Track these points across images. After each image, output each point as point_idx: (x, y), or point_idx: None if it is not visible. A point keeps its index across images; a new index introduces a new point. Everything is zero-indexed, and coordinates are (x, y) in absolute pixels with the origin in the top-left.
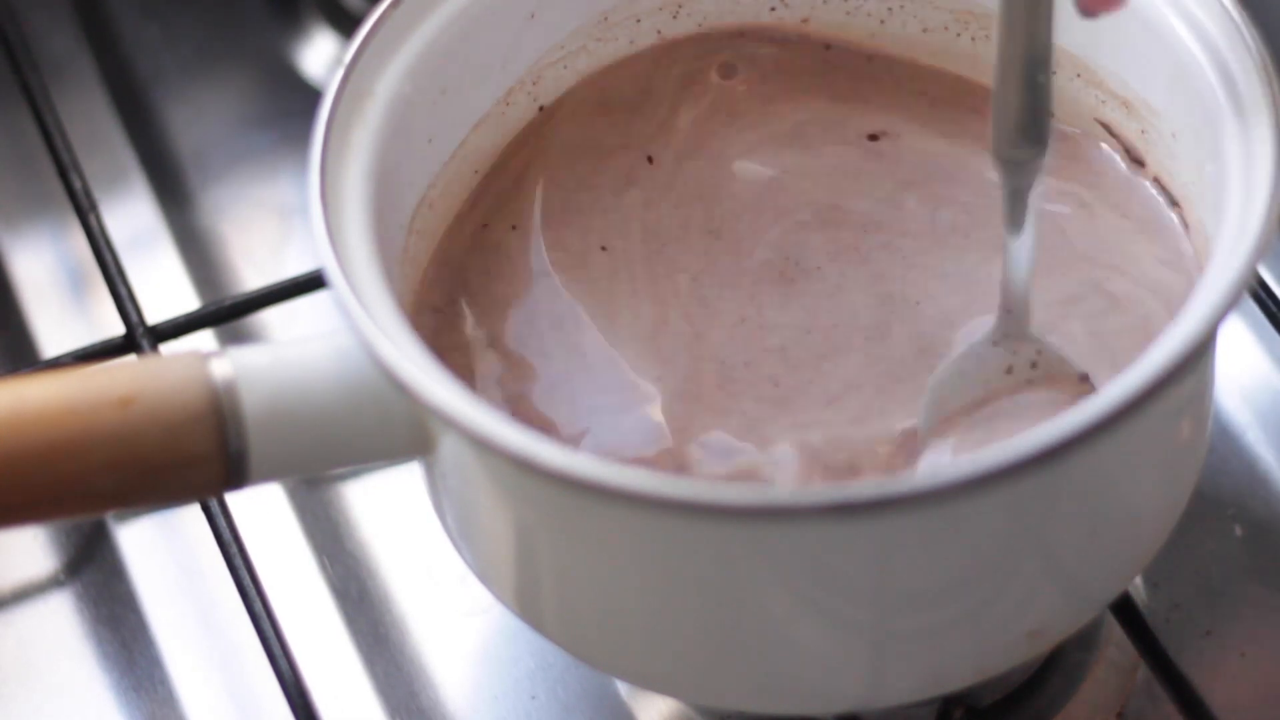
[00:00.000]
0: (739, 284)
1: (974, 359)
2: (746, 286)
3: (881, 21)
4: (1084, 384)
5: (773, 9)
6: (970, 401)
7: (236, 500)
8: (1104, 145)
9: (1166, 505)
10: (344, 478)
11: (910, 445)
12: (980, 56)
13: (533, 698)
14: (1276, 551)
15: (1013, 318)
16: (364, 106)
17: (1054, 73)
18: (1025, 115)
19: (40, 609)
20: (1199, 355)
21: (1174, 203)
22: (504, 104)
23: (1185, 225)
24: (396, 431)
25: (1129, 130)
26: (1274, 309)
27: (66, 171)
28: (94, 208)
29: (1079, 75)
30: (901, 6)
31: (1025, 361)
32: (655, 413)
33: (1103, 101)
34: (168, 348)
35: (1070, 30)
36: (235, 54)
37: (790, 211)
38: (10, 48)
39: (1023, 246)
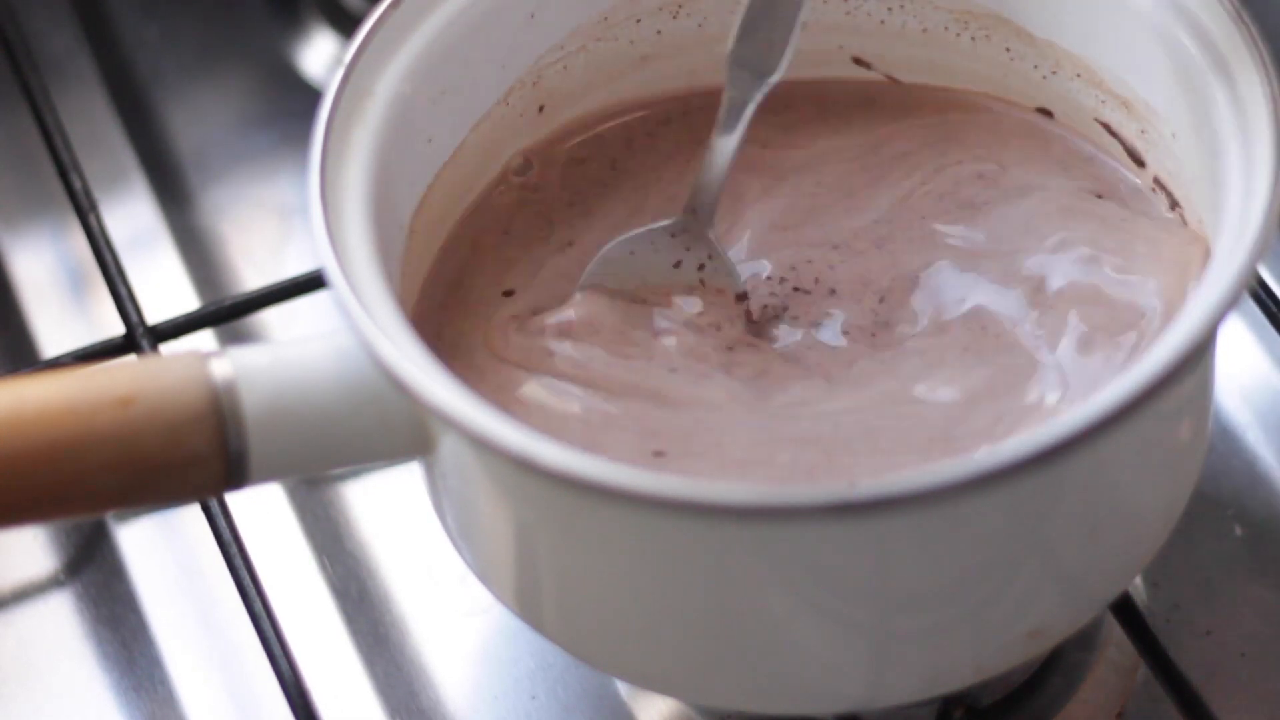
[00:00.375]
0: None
1: (648, 242)
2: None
3: (881, 22)
4: (740, 302)
5: None
6: (625, 285)
7: (236, 500)
8: (1104, 145)
9: (1166, 505)
10: (344, 478)
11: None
12: (979, 57)
13: (533, 698)
14: (1276, 551)
15: (696, 218)
16: (364, 106)
17: (1054, 72)
18: (771, 40)
19: (40, 609)
20: (1199, 355)
21: (1174, 203)
22: (504, 104)
23: (1185, 225)
24: (396, 431)
25: (1129, 130)
26: (1274, 309)
27: (66, 171)
28: (94, 208)
29: (1079, 75)
30: (901, 6)
31: (695, 262)
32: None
33: (1103, 101)
34: (168, 348)
35: (1070, 30)
36: (235, 54)
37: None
38: (10, 48)
39: (725, 150)
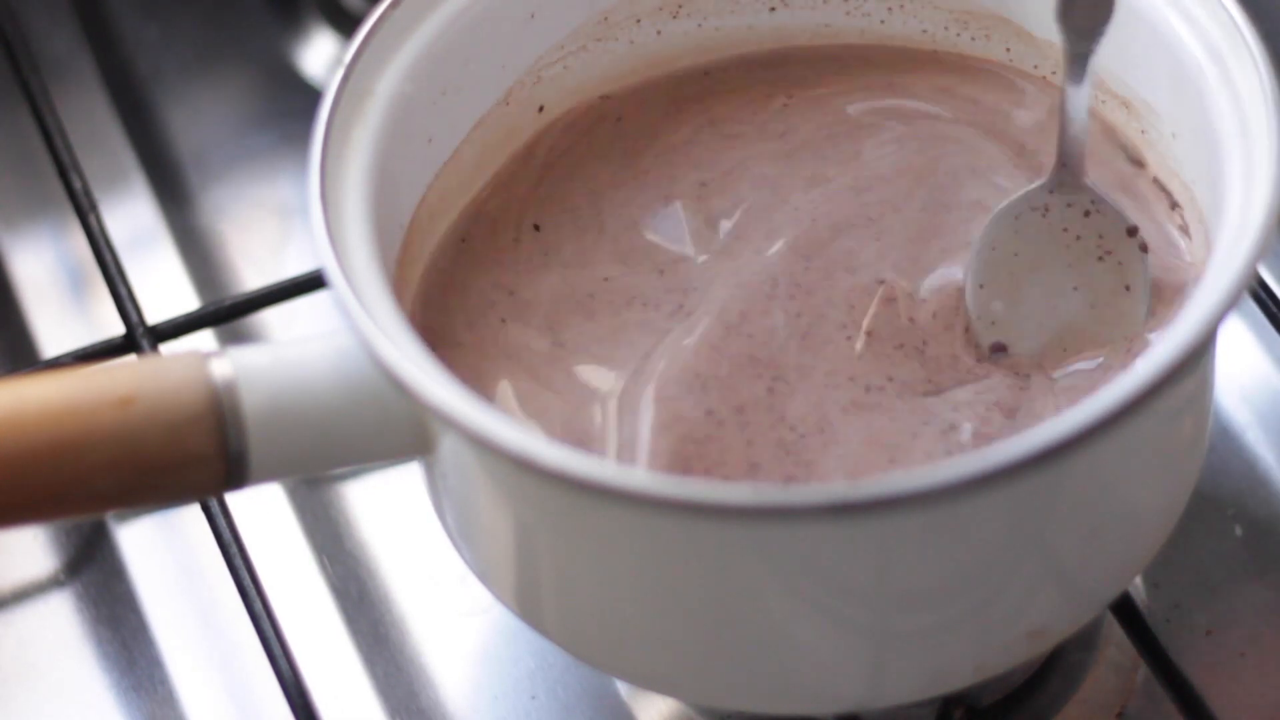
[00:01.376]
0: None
1: (1026, 205)
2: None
3: (881, 22)
4: (1132, 237)
5: (772, 9)
6: (1020, 256)
7: (236, 500)
8: (1105, 145)
9: (1166, 505)
10: (344, 478)
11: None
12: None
13: (533, 698)
14: (1276, 551)
15: (1068, 170)
16: (364, 106)
17: (1055, 72)
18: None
19: (40, 609)
20: (1199, 355)
21: (1174, 203)
22: (504, 104)
23: (1185, 225)
24: (396, 431)
25: (1129, 130)
26: (1274, 309)
27: (66, 171)
28: (94, 208)
29: None
30: (902, 6)
31: (1079, 211)
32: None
33: (1103, 101)
34: (168, 348)
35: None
36: (235, 54)
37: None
38: (10, 48)
39: (1080, 99)
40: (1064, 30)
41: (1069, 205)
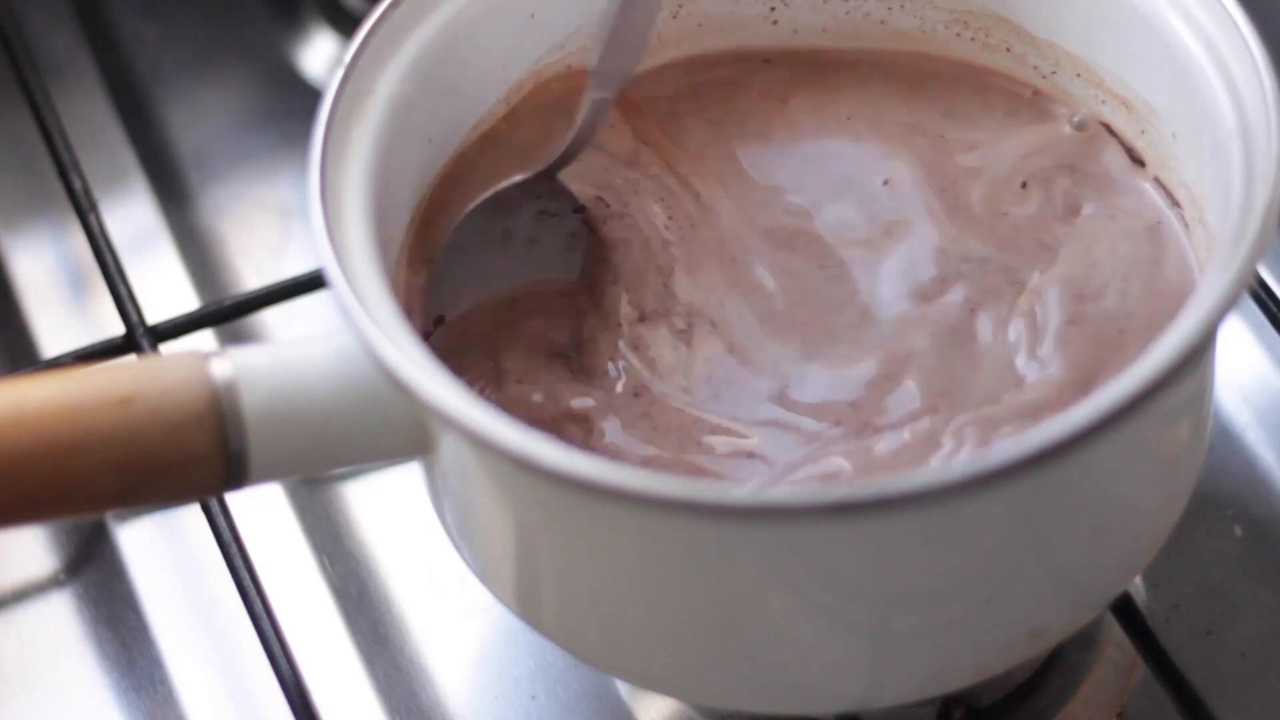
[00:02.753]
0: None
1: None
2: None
3: (881, 22)
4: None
5: (772, 9)
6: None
7: (236, 500)
8: (1106, 144)
9: (1166, 505)
10: (344, 478)
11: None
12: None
13: (533, 698)
14: (1276, 551)
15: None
16: (364, 106)
17: (1054, 72)
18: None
19: (40, 609)
20: (1199, 355)
21: (1174, 203)
22: (504, 104)
23: (1185, 225)
24: (396, 431)
25: (1129, 130)
26: (1274, 309)
27: (66, 171)
28: (94, 208)
29: (1079, 75)
30: (902, 6)
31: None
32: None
33: (1103, 101)
34: (168, 348)
35: (1070, 30)
36: (235, 54)
37: None
38: (10, 48)
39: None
40: (594, 77)
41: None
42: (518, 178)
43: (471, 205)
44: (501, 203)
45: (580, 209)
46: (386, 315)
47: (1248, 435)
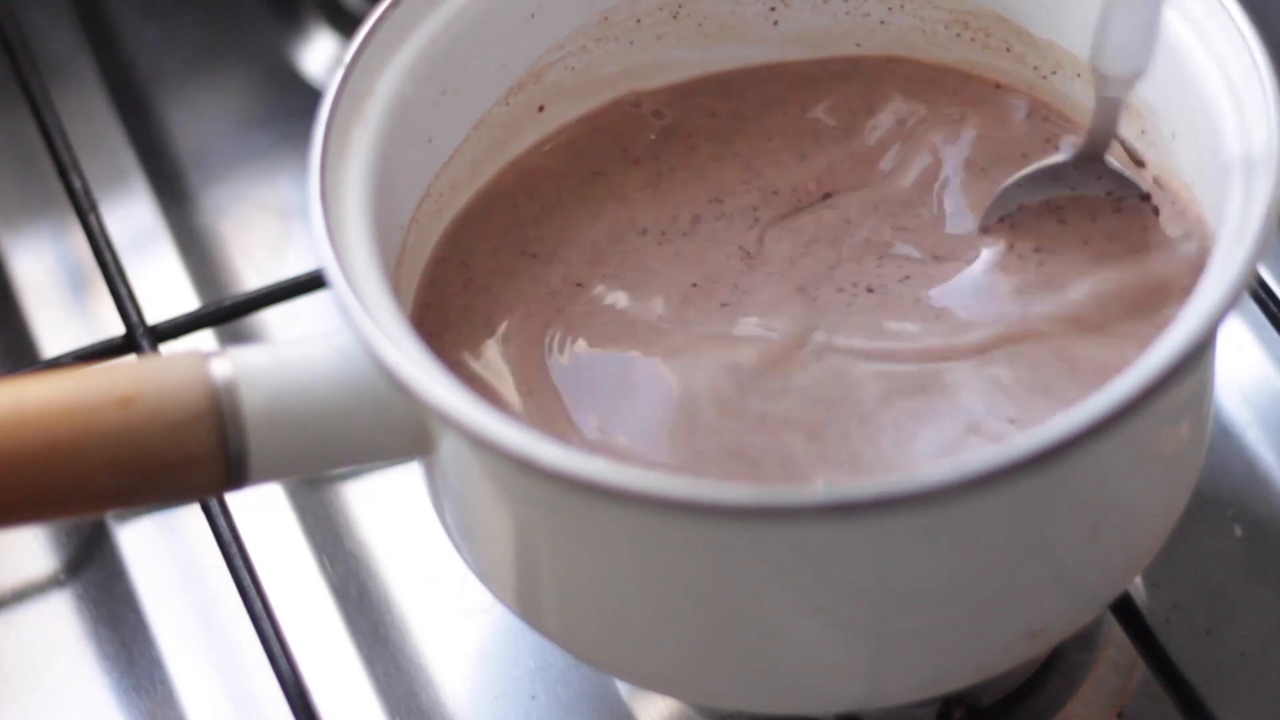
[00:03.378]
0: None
1: (1048, 173)
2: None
3: (881, 22)
4: (1147, 201)
5: (772, 9)
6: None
7: (236, 500)
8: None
9: (1166, 505)
10: (344, 478)
11: None
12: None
13: (533, 698)
14: (1276, 551)
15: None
16: (364, 106)
17: (1055, 72)
18: (1128, 34)
19: (40, 609)
20: (1199, 355)
21: (1174, 202)
22: (504, 104)
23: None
24: (396, 431)
25: (1129, 130)
26: (1274, 309)
27: (66, 171)
28: (94, 208)
29: (1079, 75)
30: (902, 7)
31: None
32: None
33: None
34: (168, 348)
35: (1070, 30)
36: (235, 54)
37: None
38: (10, 48)
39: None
40: (1096, 75)
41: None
42: (1059, 157)
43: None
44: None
45: (1145, 196)
46: (386, 315)
47: (1248, 435)
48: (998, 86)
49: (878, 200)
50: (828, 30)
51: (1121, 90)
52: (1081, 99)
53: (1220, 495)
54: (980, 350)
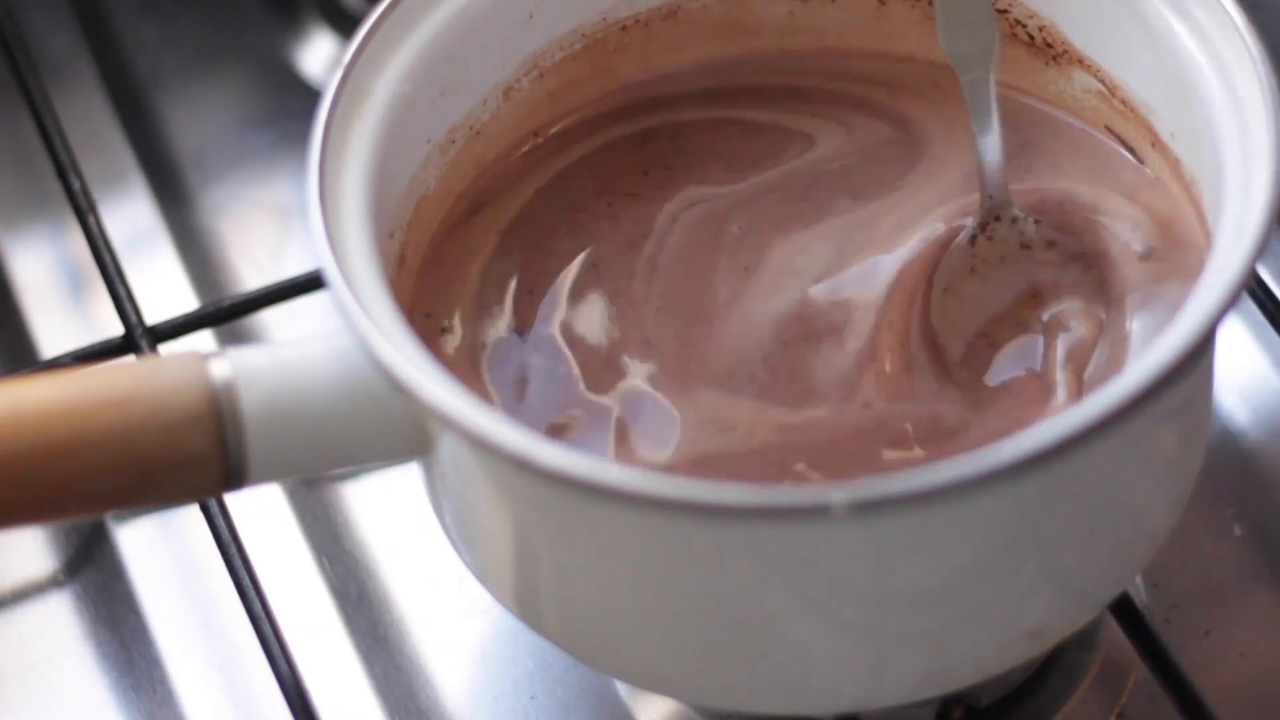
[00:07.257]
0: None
1: (981, 249)
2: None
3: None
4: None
5: (791, 13)
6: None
7: (236, 500)
8: (1108, 141)
9: (1166, 505)
10: (344, 478)
11: None
12: None
13: (532, 698)
14: (1276, 551)
15: (994, 201)
16: (363, 106)
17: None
18: (969, 11)
19: (40, 609)
20: (1198, 355)
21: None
22: (504, 104)
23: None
24: (396, 432)
25: (1129, 130)
26: (1274, 309)
27: (66, 171)
28: (93, 208)
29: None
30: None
31: (1029, 229)
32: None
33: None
34: (167, 348)
35: (1070, 30)
36: (235, 54)
37: None
38: (10, 48)
39: (991, 139)
40: (952, 59)
41: (1019, 228)
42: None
43: None
44: None
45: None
46: (385, 316)
47: (1248, 435)
48: None
49: None
50: (827, 30)
51: (978, 70)
52: (1082, 99)
53: (1220, 495)
54: None
